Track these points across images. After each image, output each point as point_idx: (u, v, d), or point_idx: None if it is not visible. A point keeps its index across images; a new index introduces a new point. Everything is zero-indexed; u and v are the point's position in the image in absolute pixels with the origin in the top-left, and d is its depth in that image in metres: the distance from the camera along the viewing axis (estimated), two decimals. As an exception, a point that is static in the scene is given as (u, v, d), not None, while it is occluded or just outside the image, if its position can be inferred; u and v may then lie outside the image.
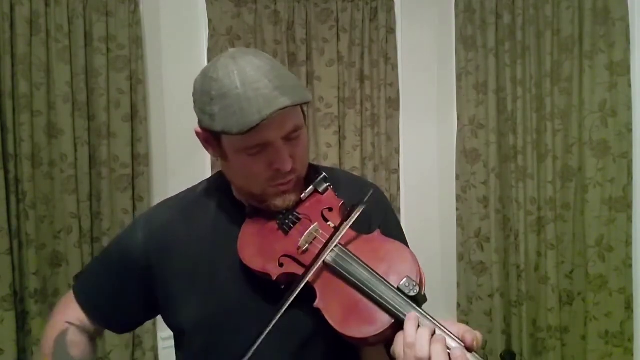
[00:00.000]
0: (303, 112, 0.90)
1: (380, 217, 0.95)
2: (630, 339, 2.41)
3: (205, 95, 0.82)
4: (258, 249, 0.87)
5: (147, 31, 2.52)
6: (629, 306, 2.41)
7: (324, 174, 0.93)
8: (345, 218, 0.84)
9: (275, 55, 2.61)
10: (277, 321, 0.77)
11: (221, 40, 2.56)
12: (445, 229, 2.81)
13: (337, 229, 0.83)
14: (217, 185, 1.00)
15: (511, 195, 2.62)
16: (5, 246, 2.19)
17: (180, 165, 2.52)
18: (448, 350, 0.68)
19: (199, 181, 1.05)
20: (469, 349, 0.69)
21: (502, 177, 2.65)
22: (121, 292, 0.97)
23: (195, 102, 0.86)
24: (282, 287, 0.81)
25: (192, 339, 0.91)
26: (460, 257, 2.72)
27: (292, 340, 0.87)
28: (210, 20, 2.57)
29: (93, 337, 1.01)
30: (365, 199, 0.85)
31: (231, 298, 0.89)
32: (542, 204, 2.56)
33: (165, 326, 0.96)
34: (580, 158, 2.48)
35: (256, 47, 2.61)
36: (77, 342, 0.96)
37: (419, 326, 0.71)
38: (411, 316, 0.72)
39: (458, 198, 2.74)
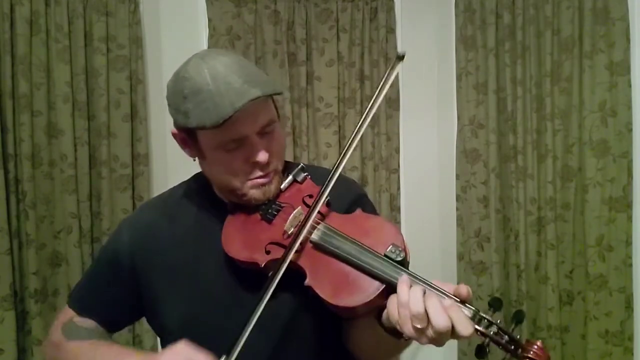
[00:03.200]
0: (276, 107, 0.92)
1: (358, 203, 0.97)
2: (630, 338, 2.42)
3: (178, 94, 0.84)
4: (243, 240, 0.88)
5: (147, 31, 2.52)
6: (629, 305, 2.42)
7: (302, 164, 0.97)
8: (318, 194, 0.85)
9: (275, 55, 2.61)
10: (265, 305, 0.78)
11: (221, 40, 2.56)
12: (445, 229, 2.81)
13: (314, 203, 0.84)
14: (198, 185, 1.01)
15: (511, 195, 2.62)
16: (5, 246, 2.19)
17: (180, 165, 2.51)
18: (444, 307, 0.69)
19: None
20: (463, 301, 0.71)
21: (502, 177, 2.65)
22: (112, 294, 0.98)
23: (169, 104, 0.88)
24: (270, 274, 0.82)
25: (178, 338, 0.91)
26: (460, 257, 2.72)
27: (282, 323, 0.88)
28: (210, 20, 2.57)
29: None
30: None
31: (216, 295, 0.90)
32: (542, 203, 2.56)
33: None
34: (580, 158, 2.48)
35: (256, 47, 2.61)
36: (86, 322, 0.98)
37: (411, 287, 0.73)
38: (403, 279, 0.73)
39: (458, 198, 2.74)
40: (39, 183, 2.29)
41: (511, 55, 2.59)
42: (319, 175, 0.96)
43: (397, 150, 2.79)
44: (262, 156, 0.86)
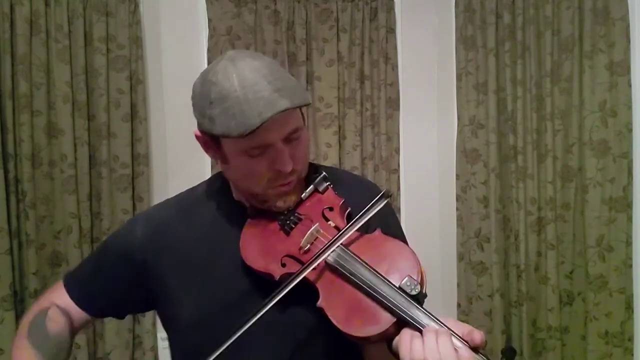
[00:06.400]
0: (302, 112, 0.90)
1: (381, 218, 0.94)
2: (630, 339, 2.41)
3: (204, 99, 0.82)
4: (260, 249, 0.87)
5: (147, 31, 2.52)
6: (629, 306, 2.42)
7: (324, 173, 0.94)
8: (347, 222, 0.85)
9: (275, 56, 2.61)
10: (278, 317, 0.78)
11: (221, 40, 2.56)
12: (445, 229, 2.81)
13: (338, 234, 0.84)
14: (217, 186, 1.00)
15: (511, 195, 2.62)
16: (5, 246, 2.19)
17: (180, 165, 2.52)
18: (456, 350, 0.69)
19: (199, 181, 1.06)
20: (475, 349, 0.70)
21: (502, 177, 2.65)
22: (114, 283, 0.97)
23: (194, 105, 0.86)
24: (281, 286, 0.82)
25: (187, 336, 0.91)
26: (460, 257, 2.72)
27: (293, 338, 0.87)
28: (210, 20, 2.57)
29: (73, 328, 0.99)
30: (371, 204, 0.85)
31: (228, 296, 0.89)
32: (542, 204, 2.56)
33: (166, 326, 0.96)
34: (580, 158, 2.48)
35: (256, 47, 2.61)
36: (57, 319, 0.96)
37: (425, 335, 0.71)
38: (429, 329, 0.72)
39: (458, 198, 2.74)
40: (39, 183, 2.29)
41: (511, 55, 2.59)
42: (341, 183, 0.95)
43: (397, 151, 2.79)
44: (287, 165, 0.84)
